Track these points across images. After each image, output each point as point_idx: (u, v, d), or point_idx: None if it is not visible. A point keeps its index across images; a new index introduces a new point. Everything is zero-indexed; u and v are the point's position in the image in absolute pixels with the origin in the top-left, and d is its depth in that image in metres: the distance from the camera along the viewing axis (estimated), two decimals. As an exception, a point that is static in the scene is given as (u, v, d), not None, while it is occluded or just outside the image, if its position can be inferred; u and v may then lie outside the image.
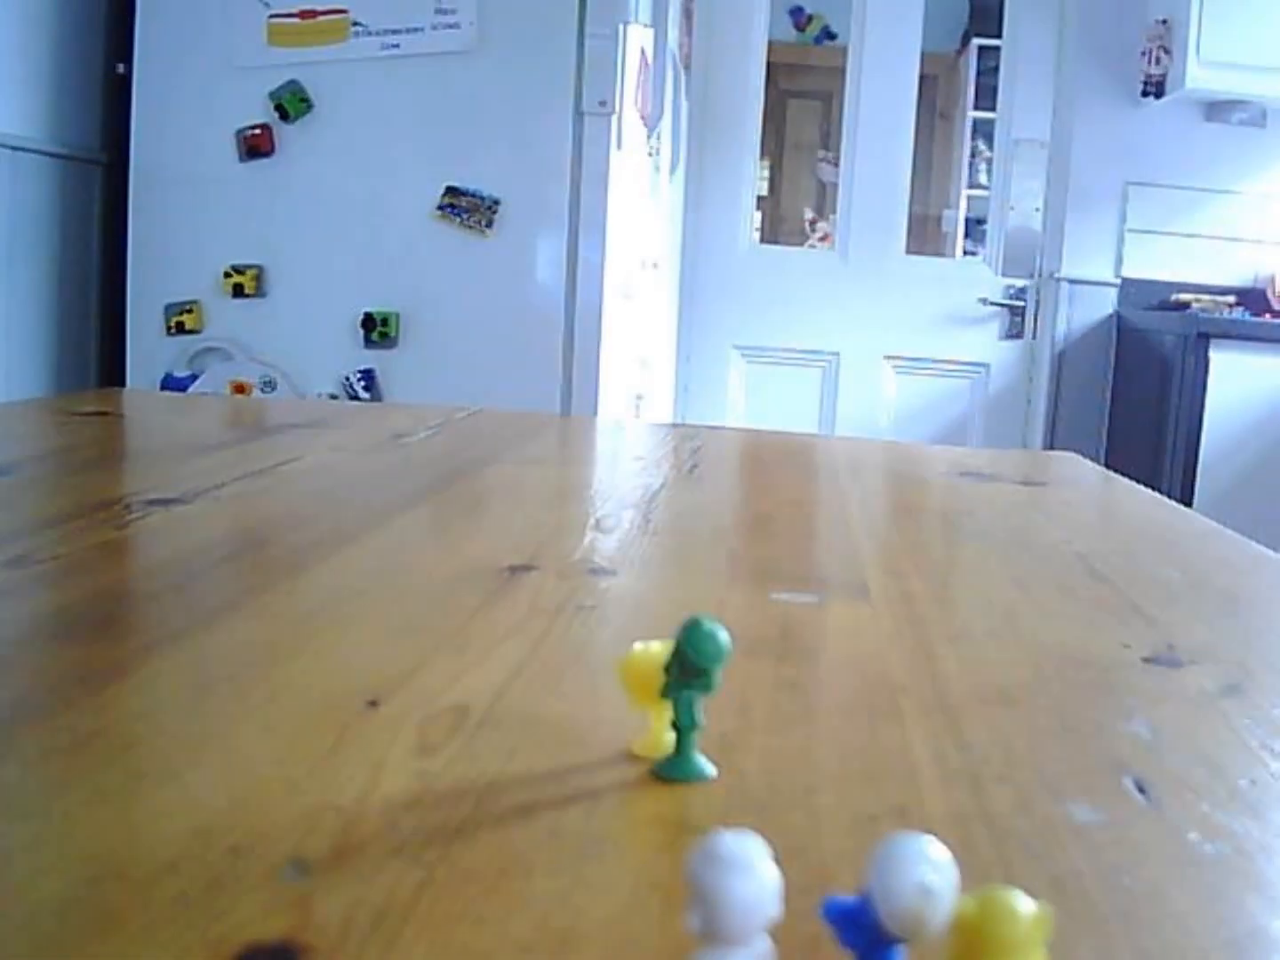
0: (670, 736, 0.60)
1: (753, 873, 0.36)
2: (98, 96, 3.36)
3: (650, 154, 3.89)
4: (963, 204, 6.65)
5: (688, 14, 4.58)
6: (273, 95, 3.19)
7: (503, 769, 0.57)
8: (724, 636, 0.58)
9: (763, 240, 6.10)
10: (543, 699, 0.67)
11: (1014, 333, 5.20)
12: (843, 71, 5.20)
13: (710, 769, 0.59)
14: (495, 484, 1.36)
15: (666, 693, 0.59)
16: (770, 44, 5.24)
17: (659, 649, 0.59)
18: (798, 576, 1.01)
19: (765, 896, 0.36)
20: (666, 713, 0.60)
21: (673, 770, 0.59)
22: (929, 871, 0.36)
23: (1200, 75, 4.57)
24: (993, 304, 5.18)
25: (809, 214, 6.69)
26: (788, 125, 6.81)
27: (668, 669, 0.59)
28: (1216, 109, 4.88)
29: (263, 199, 3.24)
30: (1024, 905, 0.35)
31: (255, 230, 3.25)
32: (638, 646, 0.61)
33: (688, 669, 0.58)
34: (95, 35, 3.32)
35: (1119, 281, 5.03)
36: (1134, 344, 4.89)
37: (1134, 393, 4.84)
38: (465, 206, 3.19)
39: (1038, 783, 0.59)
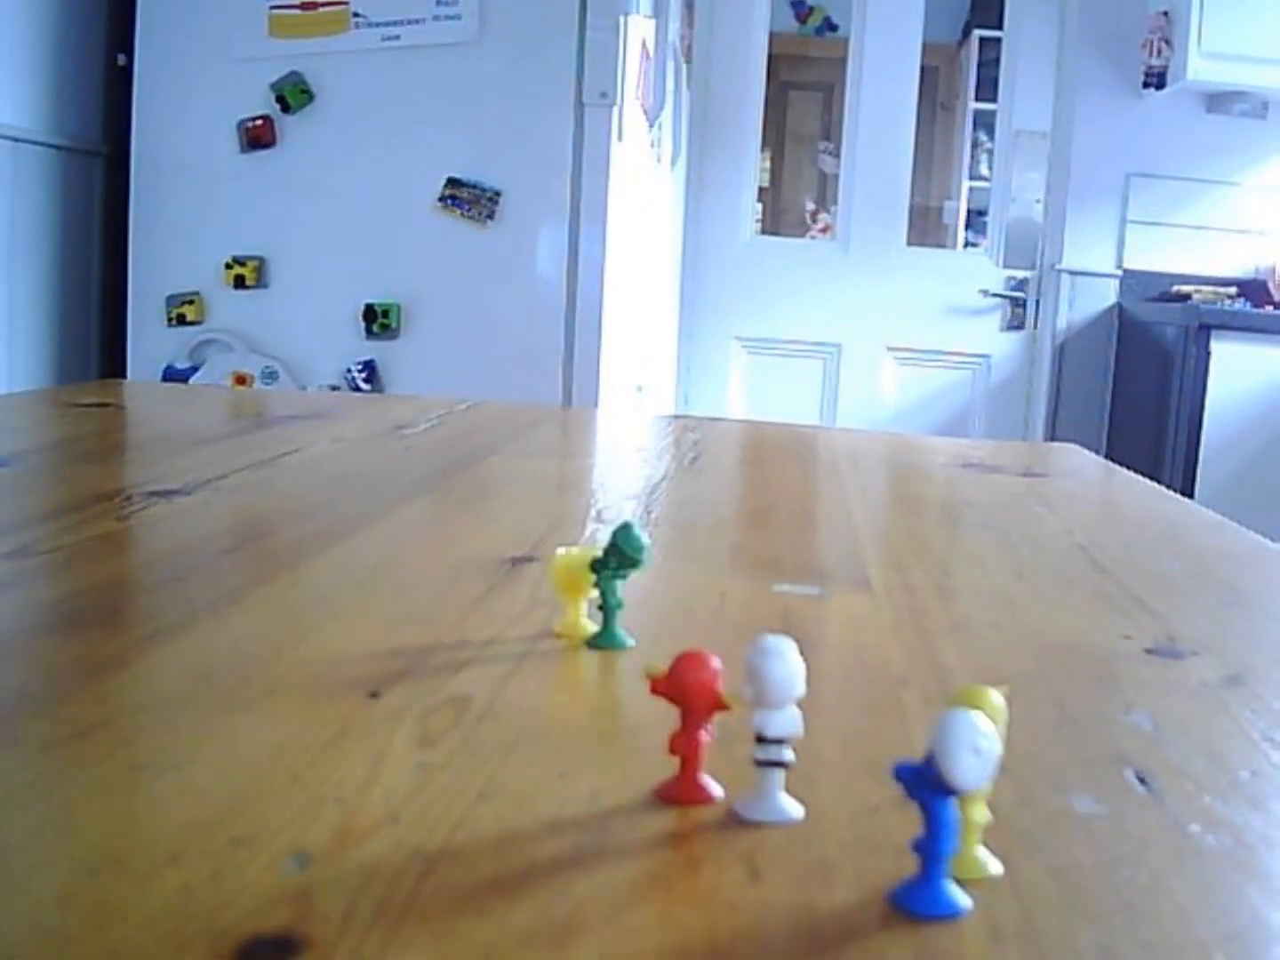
0: (585, 621, 0.77)
1: (787, 659, 0.52)
2: (98, 88, 3.35)
3: (651, 145, 3.89)
4: (964, 195, 6.65)
5: (689, 5, 4.58)
6: (274, 86, 3.18)
7: (504, 760, 0.57)
8: (646, 537, 0.75)
9: (764, 231, 6.09)
10: (544, 690, 0.67)
11: (1015, 324, 5.20)
12: (844, 63, 5.20)
13: (630, 640, 0.76)
14: (496, 475, 1.36)
15: (599, 580, 0.75)
16: (771, 35, 5.23)
17: (579, 553, 0.77)
18: (799, 568, 1.01)
19: (796, 676, 0.52)
20: (582, 603, 0.77)
21: (601, 641, 0.76)
22: (979, 737, 0.45)
23: (1201, 67, 4.56)
24: (994, 295, 5.18)
25: (810, 205, 6.68)
26: (789, 116, 6.81)
27: (602, 563, 0.75)
28: (1217, 100, 4.88)
29: (264, 190, 3.24)
30: (995, 694, 0.51)
31: (256, 222, 3.25)
32: (561, 551, 0.77)
33: (624, 560, 0.74)
34: (96, 26, 3.32)
35: (1120, 273, 5.02)
36: (1135, 335, 4.89)
37: (1135, 384, 4.84)
38: (466, 198, 3.19)
39: (1039, 774, 0.59)
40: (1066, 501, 1.45)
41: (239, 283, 3.25)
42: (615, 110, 3.16)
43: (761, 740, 0.53)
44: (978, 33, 6.46)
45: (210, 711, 0.62)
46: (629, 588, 0.83)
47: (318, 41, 3.17)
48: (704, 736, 0.55)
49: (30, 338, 3.13)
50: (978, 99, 6.50)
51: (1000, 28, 5.23)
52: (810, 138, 6.84)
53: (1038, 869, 0.49)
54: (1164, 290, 4.94)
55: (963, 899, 0.46)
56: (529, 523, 1.12)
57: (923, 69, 5.17)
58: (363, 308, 3.24)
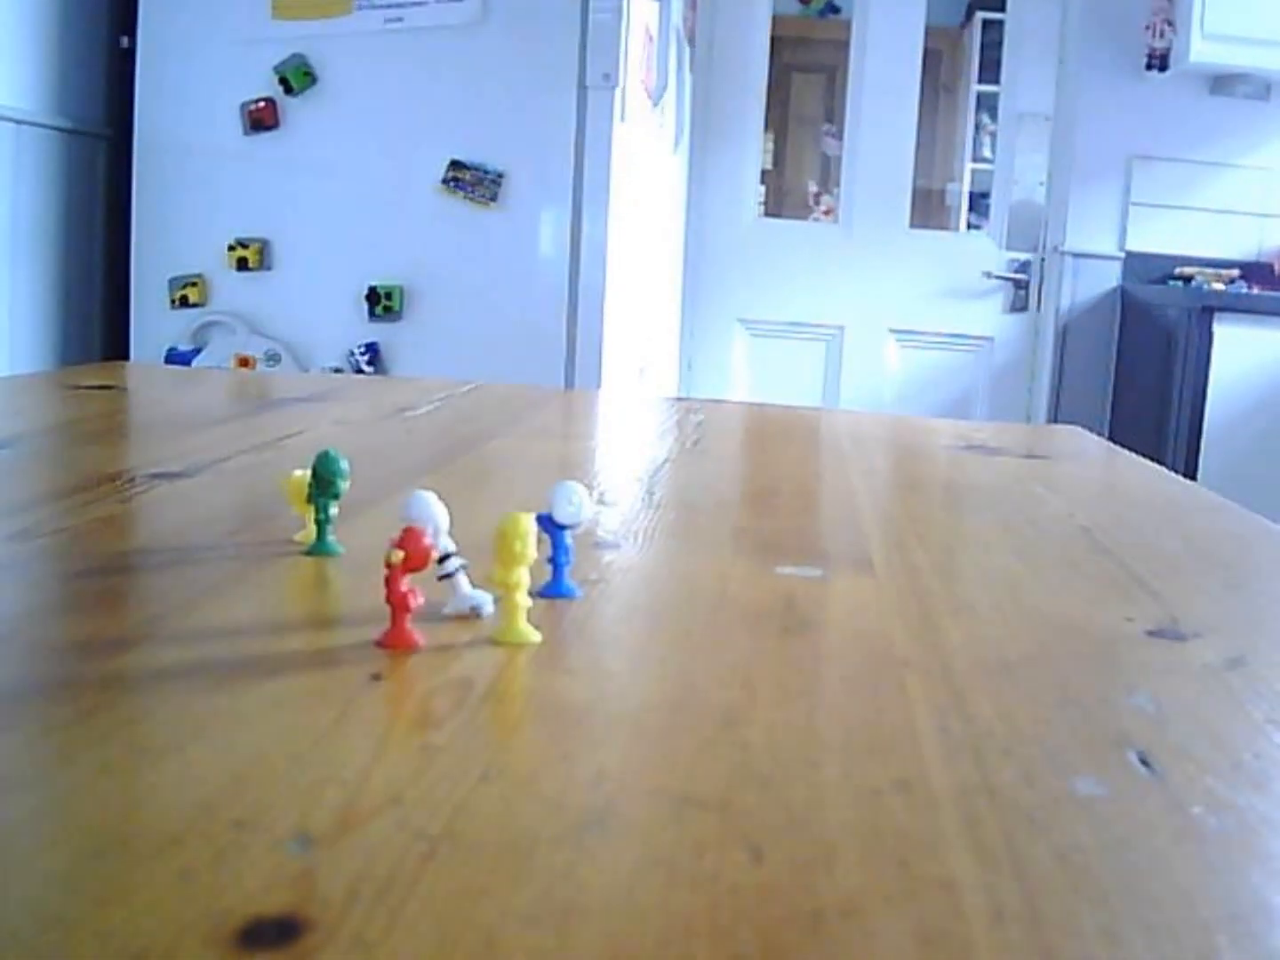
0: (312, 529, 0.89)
1: (428, 502, 0.74)
2: (101, 70, 3.35)
3: (654, 127, 3.89)
4: (966, 177, 6.64)
5: (692, -13, 4.57)
6: (277, 68, 3.18)
7: (506, 742, 0.57)
8: (345, 462, 0.88)
9: (766, 213, 6.08)
10: (546, 673, 0.67)
11: (1018, 306, 5.20)
12: (847, 45, 5.19)
13: (340, 548, 0.88)
14: (499, 457, 1.36)
15: (309, 500, 0.88)
16: (774, 17, 5.23)
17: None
18: (802, 550, 1.01)
19: (442, 512, 0.75)
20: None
21: (313, 550, 0.88)
22: (574, 496, 0.77)
23: (1204, 49, 4.56)
24: (997, 277, 5.18)
25: (813, 187, 6.67)
26: (792, 99, 6.80)
27: (313, 485, 0.87)
28: (1220, 82, 4.87)
29: (267, 172, 3.24)
30: (524, 517, 0.72)
31: (259, 204, 3.25)
32: (297, 473, 0.89)
33: (322, 482, 0.87)
34: (98, 8, 3.32)
35: (1123, 255, 5.02)
36: (1138, 317, 4.88)
37: (1138, 366, 4.84)
38: (469, 180, 3.19)
39: (1042, 756, 0.59)
40: (1069, 483, 1.45)
41: (242, 265, 3.25)
42: (618, 92, 3.16)
43: (439, 561, 0.73)
44: (980, 15, 6.45)
45: (213, 694, 0.62)
46: (629, 570, 0.83)
47: (321, 23, 3.17)
48: (412, 597, 0.70)
49: (33, 320, 3.13)
50: (980, 81, 6.49)
51: (1003, 10, 5.22)
52: (813, 120, 6.83)
53: (1040, 851, 0.49)
54: (1166, 272, 4.93)
55: (575, 589, 0.81)
56: (532, 505, 1.12)
57: (925, 51, 5.16)
58: (366, 290, 3.24)
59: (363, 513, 1.04)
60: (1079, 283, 5.06)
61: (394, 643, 0.70)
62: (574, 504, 0.78)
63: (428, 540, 0.70)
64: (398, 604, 0.70)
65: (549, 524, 0.78)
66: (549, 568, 0.79)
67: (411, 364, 3.26)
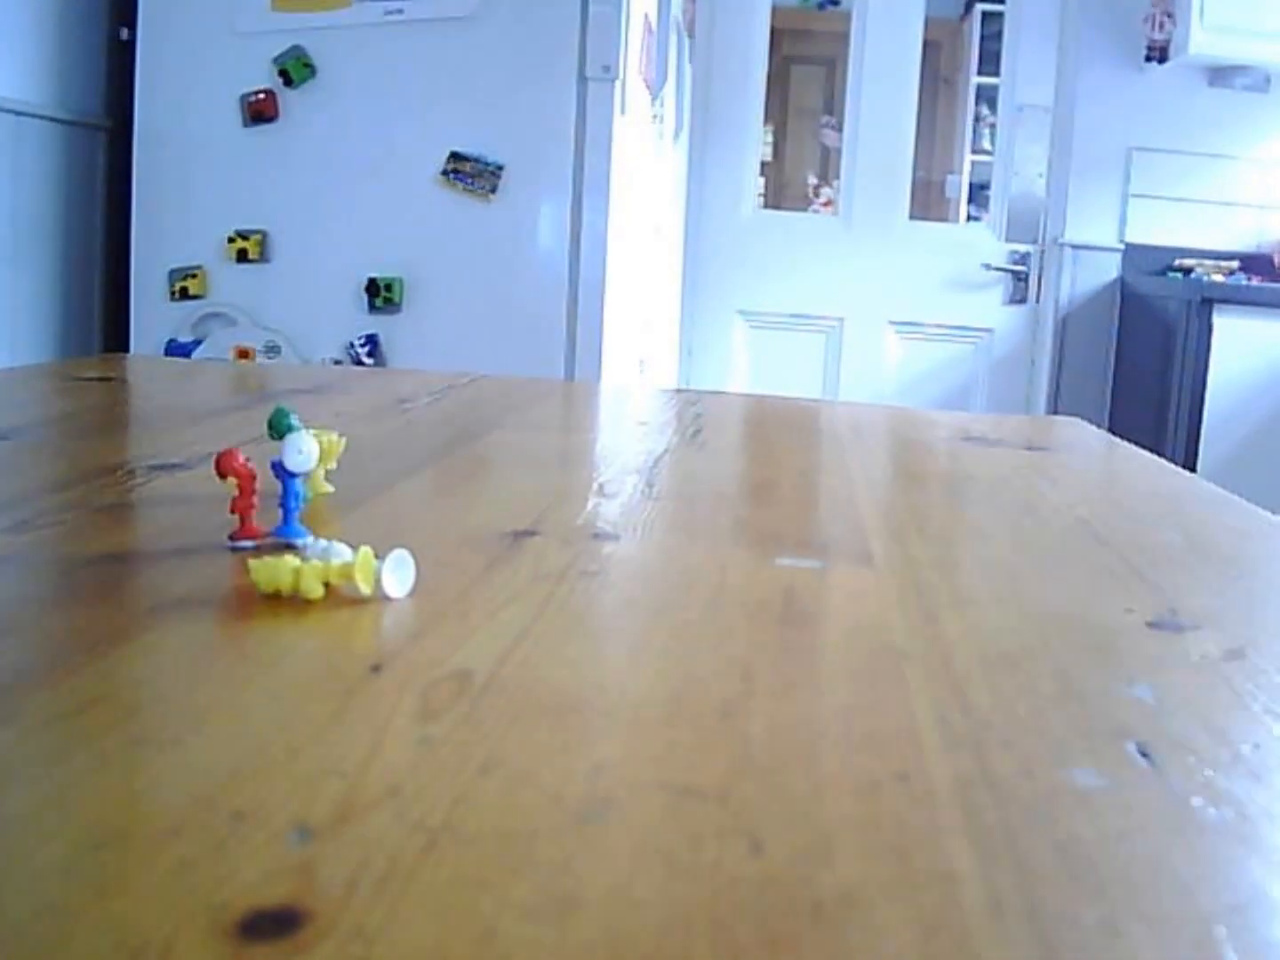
0: (323, 483, 1.04)
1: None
2: (101, 61, 3.35)
3: (654, 119, 3.89)
4: (966, 169, 6.64)
5: (691, -22, 4.56)
6: (276, 61, 3.18)
7: (505, 734, 0.57)
8: (295, 417, 0.95)
9: (766, 205, 6.08)
10: (546, 664, 0.67)
11: (1018, 298, 5.20)
12: (846, 37, 5.19)
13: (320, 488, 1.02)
14: (498, 449, 1.36)
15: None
16: (774, 9, 5.22)
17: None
18: (801, 542, 1.01)
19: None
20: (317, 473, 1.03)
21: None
22: (303, 444, 0.88)
23: (1204, 40, 4.56)
24: (996, 269, 5.17)
25: (813, 179, 6.67)
26: (791, 90, 6.80)
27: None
28: (1220, 74, 4.87)
29: (267, 165, 3.23)
30: (364, 552, 0.77)
31: (259, 196, 3.25)
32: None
33: (276, 434, 0.94)
34: (98, 0, 3.31)
35: (1122, 246, 5.02)
36: (1137, 309, 4.88)
37: (1138, 358, 4.84)
38: (469, 172, 3.19)
39: (1041, 748, 0.59)
40: (1068, 475, 1.45)
41: (242, 256, 3.25)
42: (618, 84, 3.16)
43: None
44: (980, 7, 6.45)
45: (212, 686, 0.62)
46: (628, 562, 0.83)
47: (320, 15, 3.17)
48: (253, 500, 0.87)
49: (33, 312, 3.13)
50: (980, 73, 6.49)
51: (1002, 2, 5.22)
52: (813, 112, 6.83)
53: (1039, 842, 0.49)
54: (1166, 264, 4.93)
55: (303, 531, 0.88)
56: (531, 497, 1.12)
57: (925, 43, 5.16)
58: (365, 281, 3.24)
59: (362, 505, 1.04)
60: (1078, 274, 5.06)
61: (246, 535, 0.88)
62: (304, 452, 0.89)
63: (241, 458, 0.87)
64: (244, 511, 0.88)
65: (280, 470, 0.89)
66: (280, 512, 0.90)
67: (411, 356, 3.26)
